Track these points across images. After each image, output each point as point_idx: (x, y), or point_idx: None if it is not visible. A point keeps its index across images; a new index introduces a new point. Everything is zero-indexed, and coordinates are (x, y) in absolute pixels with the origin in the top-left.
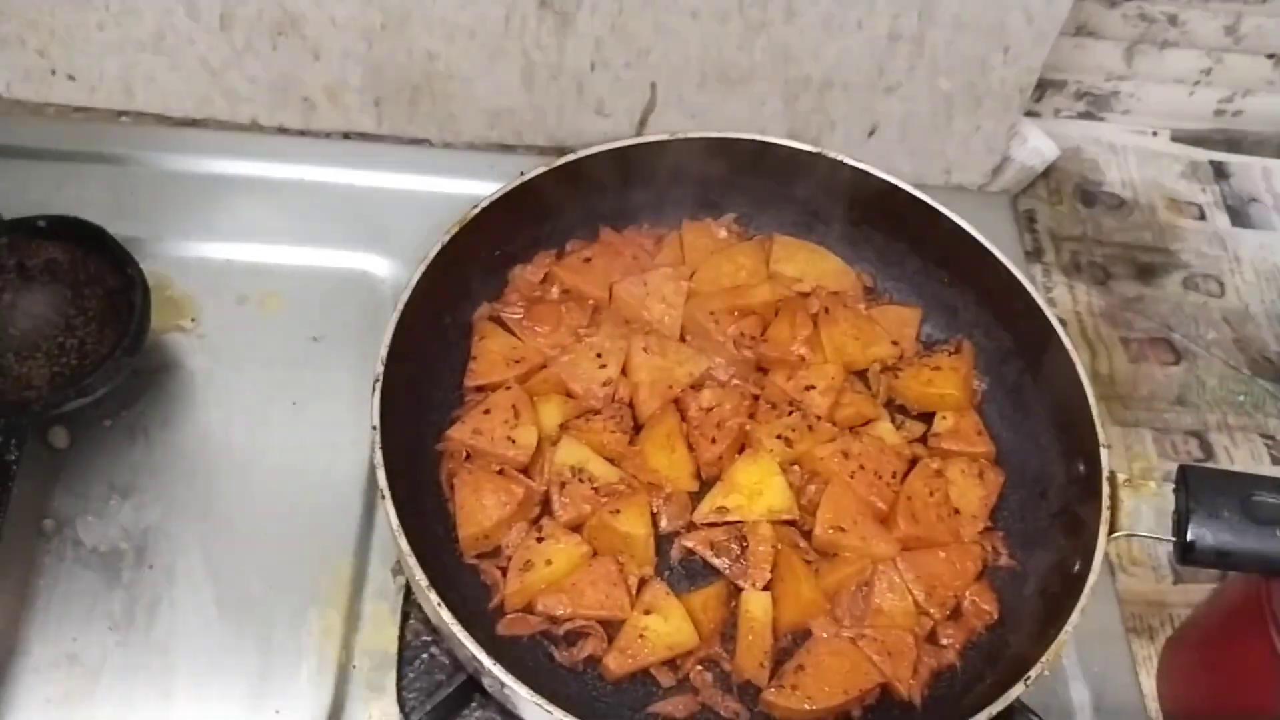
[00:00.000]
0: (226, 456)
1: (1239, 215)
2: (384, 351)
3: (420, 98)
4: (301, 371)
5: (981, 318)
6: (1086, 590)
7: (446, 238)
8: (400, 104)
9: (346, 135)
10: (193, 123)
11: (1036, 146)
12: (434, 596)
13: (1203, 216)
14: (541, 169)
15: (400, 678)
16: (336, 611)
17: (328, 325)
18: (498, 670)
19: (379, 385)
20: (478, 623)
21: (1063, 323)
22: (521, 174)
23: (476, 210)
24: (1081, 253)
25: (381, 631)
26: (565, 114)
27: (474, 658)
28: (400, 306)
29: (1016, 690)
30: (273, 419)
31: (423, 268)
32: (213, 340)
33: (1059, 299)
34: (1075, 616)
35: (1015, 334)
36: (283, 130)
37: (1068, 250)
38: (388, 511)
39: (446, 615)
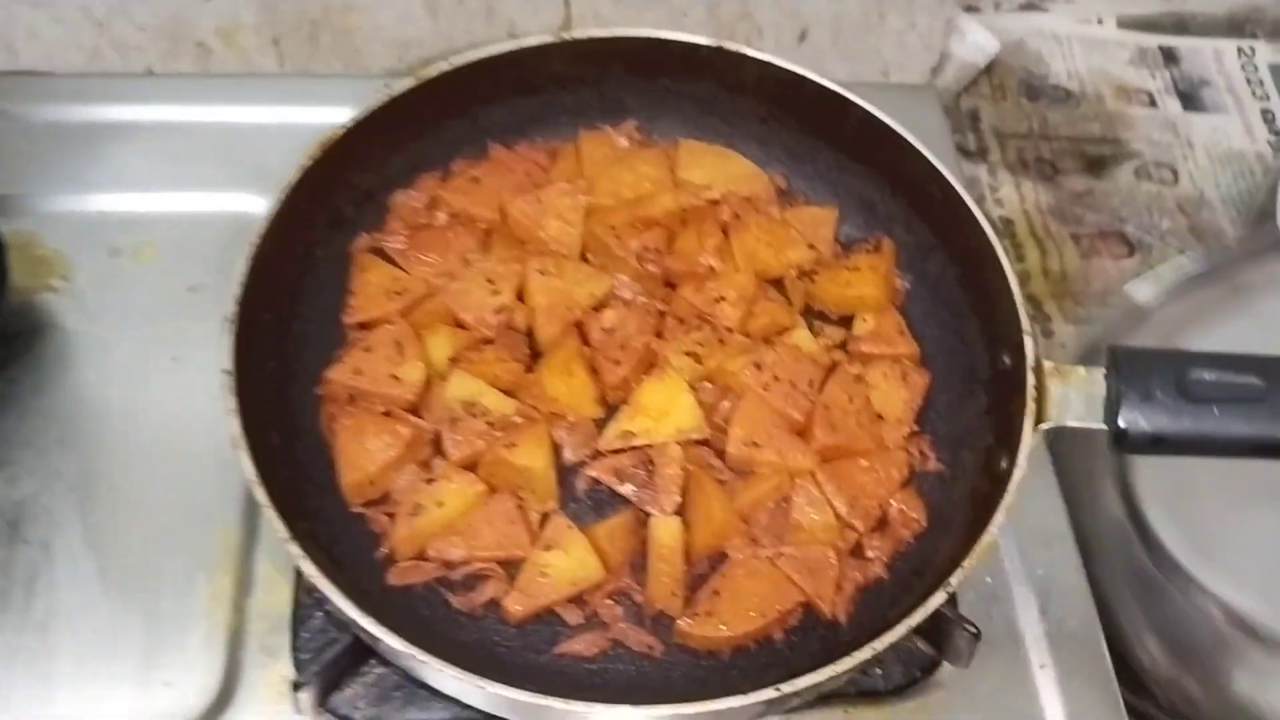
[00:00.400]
0: (104, 420)
1: (1191, 100)
2: (237, 290)
3: (320, 33)
4: (181, 324)
5: (900, 211)
6: (1012, 487)
7: (307, 162)
8: (300, 41)
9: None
10: (84, 77)
11: (977, 42)
12: (295, 549)
13: (1153, 103)
14: (410, 83)
15: (295, 638)
16: (226, 575)
17: (206, 273)
18: (366, 621)
19: (233, 327)
20: (367, 574)
21: (999, 207)
22: (388, 88)
23: (339, 133)
24: (1028, 149)
25: (275, 593)
26: (476, 39)
27: (340, 610)
28: (255, 240)
29: (937, 599)
30: (152, 376)
31: (280, 197)
32: (86, 298)
33: (1006, 198)
34: (1000, 516)
35: (935, 224)
36: (180, 78)
37: (1013, 147)
38: (242, 462)
39: (309, 568)
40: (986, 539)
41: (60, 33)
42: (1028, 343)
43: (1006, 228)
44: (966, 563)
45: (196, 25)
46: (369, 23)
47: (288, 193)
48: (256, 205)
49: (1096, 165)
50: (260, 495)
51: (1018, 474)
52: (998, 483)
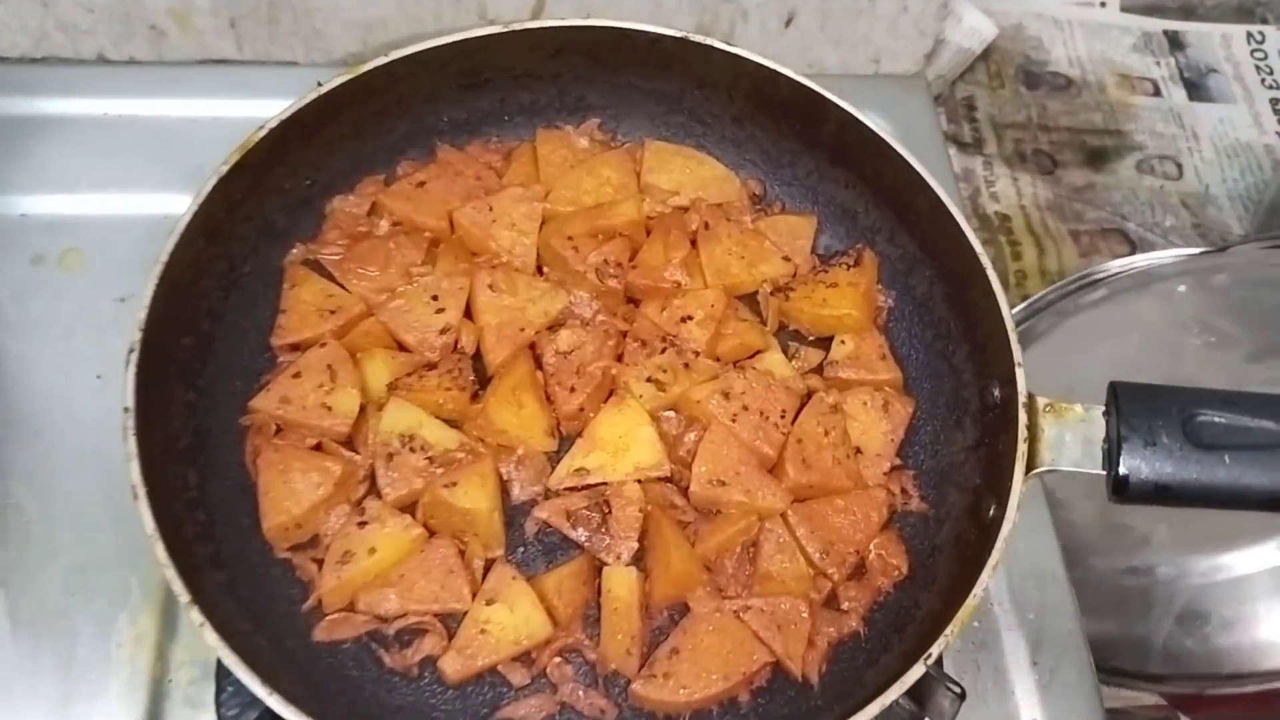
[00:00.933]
0: (20, 445)
1: (1197, 89)
2: (142, 315)
3: (280, 14)
4: (106, 338)
5: (884, 221)
6: (999, 543)
7: (225, 169)
8: (258, 23)
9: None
10: (32, 61)
11: (973, 25)
12: (196, 614)
13: (1157, 92)
14: (344, 77)
15: (219, 691)
16: (150, 617)
17: (137, 283)
18: (275, 702)
19: (134, 358)
20: (291, 628)
21: (979, 219)
22: (319, 84)
23: (263, 132)
24: (1026, 141)
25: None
26: (444, 22)
27: (250, 687)
28: (164, 258)
29: (915, 672)
30: (74, 396)
31: (194, 207)
32: (4, 310)
33: (1003, 193)
34: (986, 575)
35: (921, 237)
36: (134, 63)
37: (1011, 139)
38: (141, 515)
39: (213, 639)
40: (972, 601)
41: (2, 13)
42: (1019, 375)
43: (1003, 224)
44: (949, 630)
45: (148, 6)
46: (329, 3)
47: (202, 202)
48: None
49: (1097, 158)
50: (160, 553)
51: (1006, 527)
52: (985, 532)
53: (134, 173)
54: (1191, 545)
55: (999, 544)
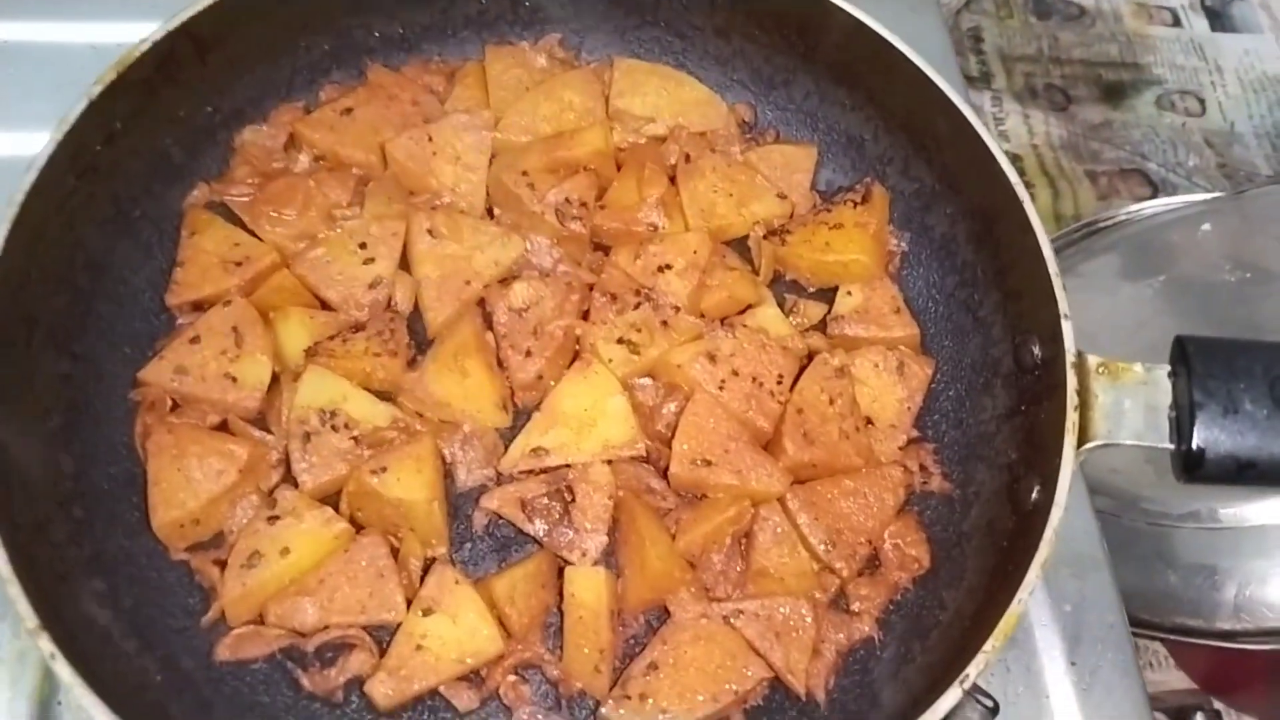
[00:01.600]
0: None
1: (1219, 18)
2: None
3: None
4: None
5: (896, 149)
6: (1047, 533)
7: (97, 90)
8: None
9: None
10: None
11: None
12: (46, 643)
13: (1177, 22)
14: None
15: None
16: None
17: None
18: None
19: None
20: (188, 646)
21: (1005, 141)
22: None
23: (145, 46)
24: (1036, 74)
25: None
26: None
27: None
28: (18, 198)
29: (948, 699)
30: None
31: (57, 137)
32: None
33: (1013, 131)
34: (1032, 575)
35: (941, 167)
36: None
37: (1020, 72)
38: None
39: (65, 673)
40: (1016, 608)
41: None
42: (1066, 330)
43: (1014, 164)
44: (989, 644)
45: None
46: None
47: (68, 131)
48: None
49: (1114, 93)
50: (2, 564)
51: (1055, 515)
52: (1026, 519)
53: None
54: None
55: (1047, 535)
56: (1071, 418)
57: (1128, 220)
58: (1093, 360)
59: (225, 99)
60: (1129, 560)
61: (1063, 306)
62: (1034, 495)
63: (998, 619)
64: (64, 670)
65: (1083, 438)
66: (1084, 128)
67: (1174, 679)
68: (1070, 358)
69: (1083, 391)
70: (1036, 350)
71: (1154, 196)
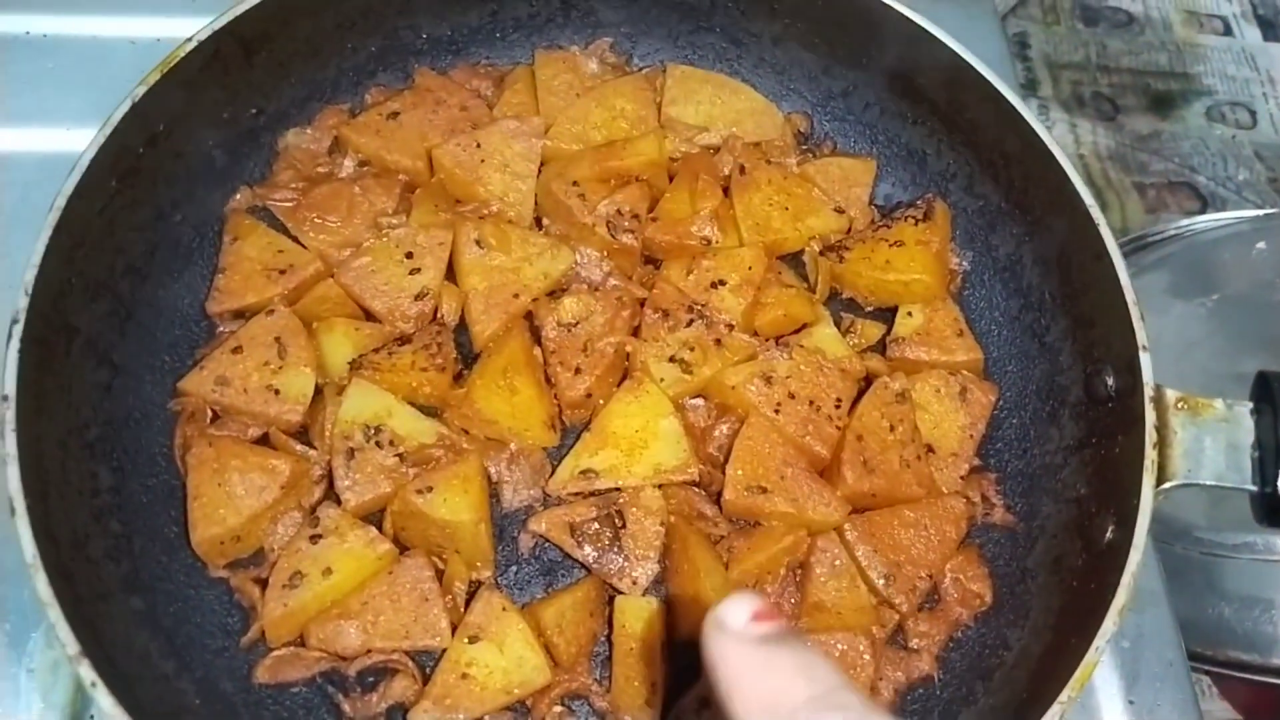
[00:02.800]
0: None
1: (1272, 27)
2: (30, 276)
3: None
4: None
5: (961, 165)
6: (1125, 578)
7: (140, 91)
8: None
9: None
10: None
11: None
12: (87, 670)
13: (1228, 31)
14: None
15: None
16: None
17: (23, 237)
18: None
19: (18, 330)
20: (226, 666)
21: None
22: None
23: (191, 45)
24: (1084, 83)
25: None
26: None
27: None
28: (60, 203)
29: None
30: None
31: (100, 139)
32: None
33: (1060, 141)
34: (1110, 623)
35: (1009, 185)
36: None
37: (1068, 81)
38: (20, 533)
39: (107, 703)
40: (1093, 657)
41: None
42: (1144, 362)
43: None
44: (1065, 694)
45: None
46: None
47: (111, 133)
48: (42, 141)
49: (1163, 103)
50: (42, 588)
51: (1134, 558)
52: (1099, 559)
53: (31, 101)
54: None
55: (1125, 580)
56: (1150, 455)
57: (1177, 235)
58: (1171, 395)
59: (270, 101)
60: (1180, 591)
61: (1141, 338)
62: (1109, 535)
63: (1072, 666)
64: (105, 699)
65: (1161, 476)
66: (1132, 138)
67: (1218, 709)
68: (1149, 391)
69: (1161, 428)
70: (1110, 381)
71: (1203, 211)
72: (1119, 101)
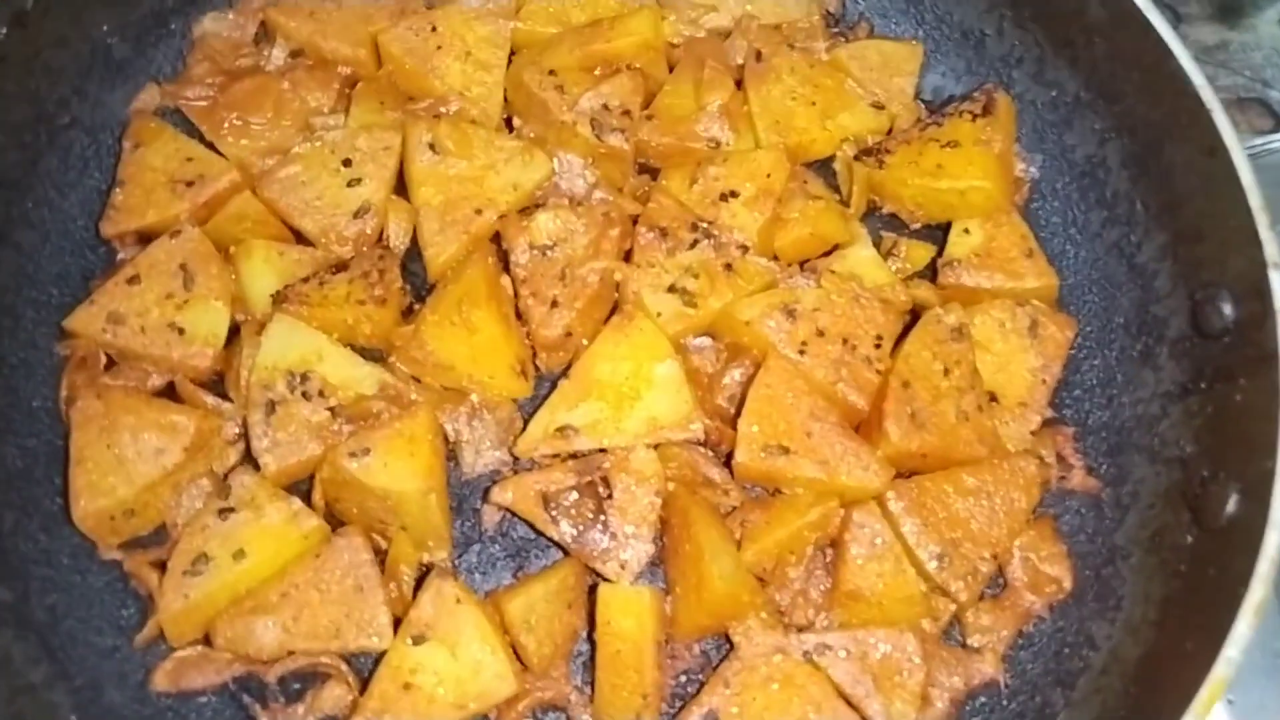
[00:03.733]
0: None
1: None
2: None
3: None
4: None
5: (1028, 47)
6: (1261, 565)
7: None
8: None
9: None
10: None
11: None
12: None
13: None
14: None
15: None
16: None
17: None
18: None
19: None
20: (117, 671)
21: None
22: None
23: None
24: None
25: None
26: None
27: None
28: None
29: None
30: None
31: None
32: None
33: None
34: (1244, 623)
35: (1090, 69)
36: None
37: None
38: None
39: None
40: (1222, 670)
41: None
42: (1275, 282)
43: None
44: (1193, 711)
45: None
46: None
47: None
48: None
49: (1231, 10)
50: None
51: (1273, 537)
52: (1218, 537)
53: None
54: None
55: (1262, 566)
56: None
57: (1251, 156)
58: None
59: None
60: None
61: (1271, 253)
62: (1230, 507)
63: (1193, 679)
64: None
65: None
66: (1196, 50)
67: None
68: None
69: None
70: (1227, 309)
71: (1276, 130)
72: (1181, 10)
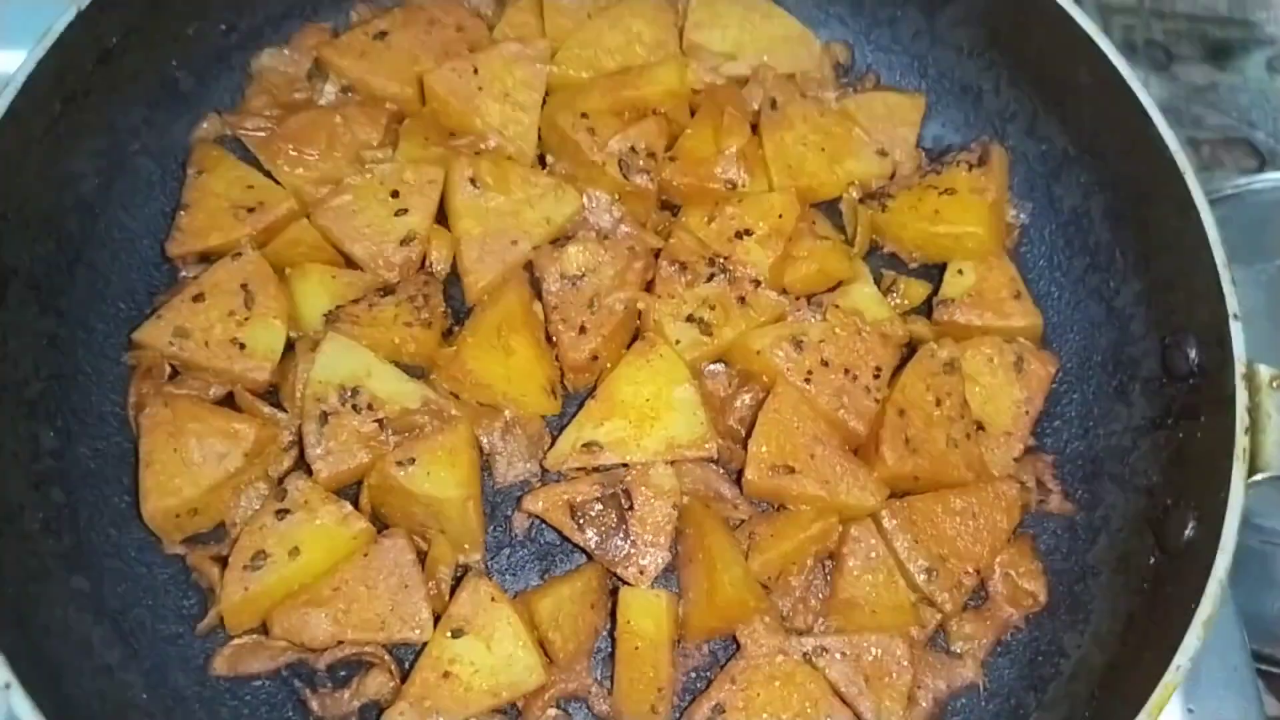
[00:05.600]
0: None
1: None
2: None
3: None
4: None
5: (1022, 104)
6: (1211, 585)
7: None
8: None
9: None
10: None
11: None
12: (3, 672)
13: None
14: None
15: None
16: None
17: None
18: None
19: None
20: (179, 656)
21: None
22: None
23: None
24: (1137, 28)
25: None
26: None
27: None
28: None
29: None
30: None
31: (38, 54)
32: None
33: None
34: (1193, 637)
35: (1078, 127)
36: None
37: (1119, 26)
38: None
39: (22, 706)
40: (1172, 677)
41: None
42: (1235, 332)
43: None
44: (1145, 713)
45: None
46: None
47: (51, 47)
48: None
49: (1220, 53)
50: None
51: (1221, 561)
52: (1176, 559)
53: None
54: None
55: (1211, 587)
56: (1241, 441)
57: (1235, 195)
58: (1266, 372)
59: (242, 16)
60: (1235, 584)
61: (1232, 305)
62: (1188, 532)
63: (1146, 685)
64: (20, 703)
65: (1254, 466)
66: (1186, 90)
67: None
68: (1240, 367)
69: (1254, 410)
70: (1192, 354)
71: (1261, 169)
72: (1173, 50)
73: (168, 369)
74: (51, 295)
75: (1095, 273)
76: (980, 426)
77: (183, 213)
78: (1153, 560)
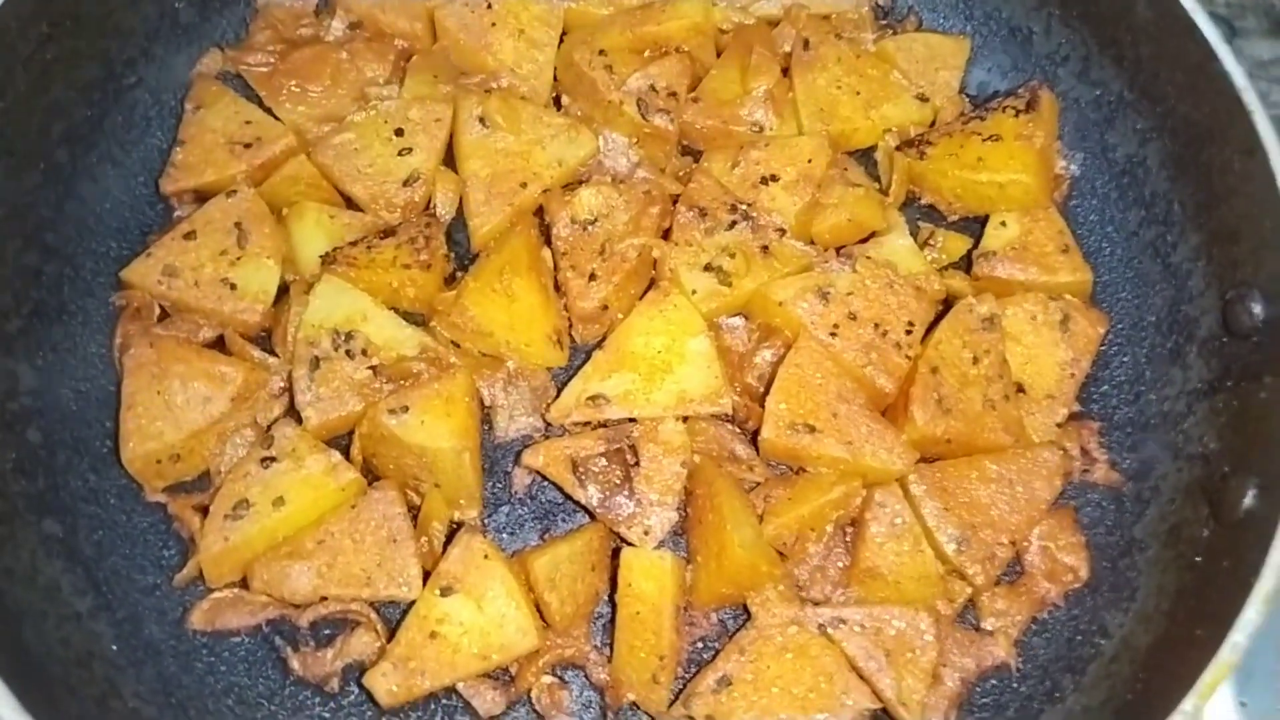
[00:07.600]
0: None
1: None
2: None
3: None
4: None
5: (1074, 45)
6: (1274, 554)
7: None
8: None
9: None
10: None
11: None
12: None
13: None
14: None
15: None
16: None
17: None
18: None
19: None
20: (156, 608)
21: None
22: None
23: None
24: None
25: None
26: None
27: None
28: None
29: None
30: None
31: None
32: None
33: None
34: (1253, 611)
35: (1135, 69)
36: None
37: None
38: None
39: None
40: (1228, 656)
41: None
42: None
43: None
44: (1188, 704)
45: None
46: None
47: None
48: None
49: None
50: None
51: None
52: (1233, 531)
53: None
54: None
55: (1274, 557)
56: None
57: None
58: None
59: None
60: None
61: None
62: (1247, 501)
63: (1197, 665)
64: None
65: None
66: (1251, 64)
67: None
68: None
69: None
70: (1257, 309)
71: None
72: (1237, 24)
73: (157, 310)
74: (37, 229)
75: (1150, 226)
76: (1021, 388)
77: (178, 149)
78: (1206, 533)
